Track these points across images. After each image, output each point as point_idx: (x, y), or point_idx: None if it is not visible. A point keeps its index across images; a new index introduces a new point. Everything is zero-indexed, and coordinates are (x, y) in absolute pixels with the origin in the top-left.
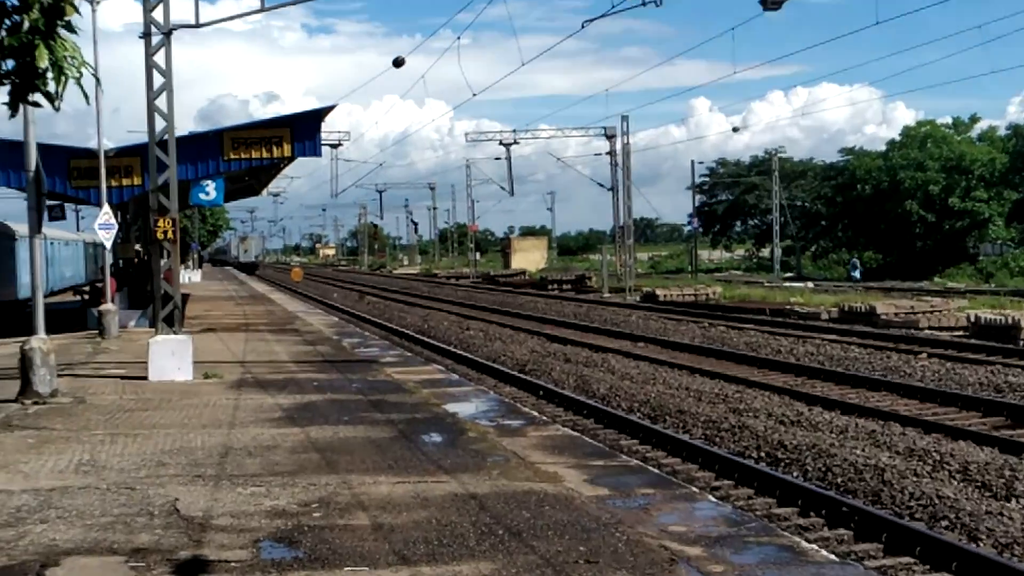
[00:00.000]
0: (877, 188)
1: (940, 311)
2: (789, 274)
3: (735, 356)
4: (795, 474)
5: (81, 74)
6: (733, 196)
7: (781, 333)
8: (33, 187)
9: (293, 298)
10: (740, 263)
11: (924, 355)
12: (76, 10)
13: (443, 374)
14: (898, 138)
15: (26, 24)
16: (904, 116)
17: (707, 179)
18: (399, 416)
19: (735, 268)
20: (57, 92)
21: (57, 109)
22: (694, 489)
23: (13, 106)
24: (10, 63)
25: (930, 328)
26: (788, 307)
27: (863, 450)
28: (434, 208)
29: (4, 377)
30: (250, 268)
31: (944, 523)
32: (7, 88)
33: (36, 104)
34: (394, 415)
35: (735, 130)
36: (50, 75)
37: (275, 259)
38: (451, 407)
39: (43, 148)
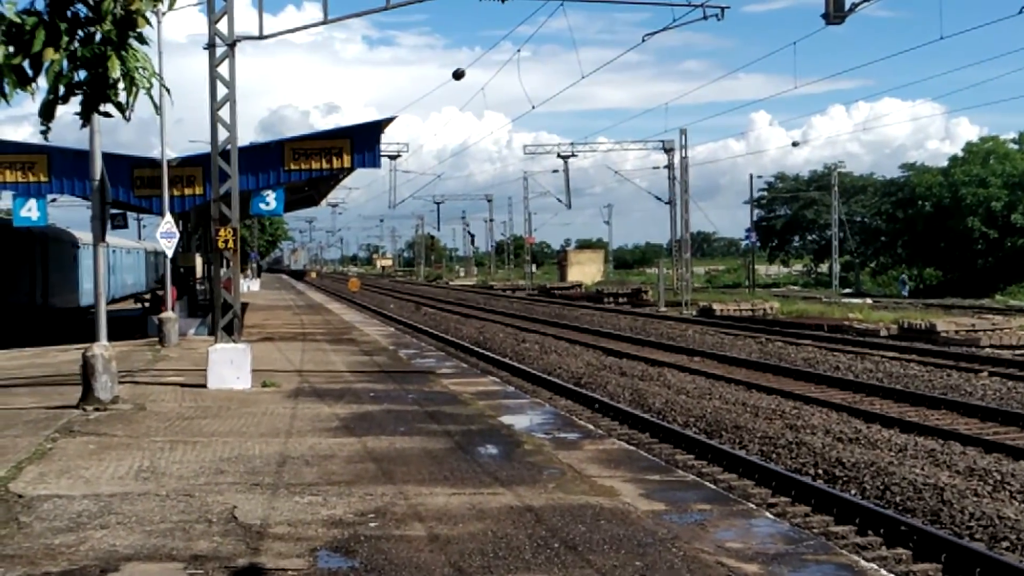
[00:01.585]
0: (938, 204)
1: (1001, 329)
2: (848, 290)
3: (792, 372)
4: (853, 492)
5: (151, 85)
6: (791, 211)
7: (839, 349)
8: (97, 196)
9: (350, 308)
10: (798, 278)
11: (985, 373)
12: (148, 22)
13: (499, 386)
14: (960, 154)
15: (98, 35)
16: (968, 132)
17: (765, 193)
18: (455, 427)
19: (793, 283)
20: (128, 102)
21: (128, 119)
22: (751, 505)
23: (85, 116)
24: (83, 74)
25: (991, 346)
26: (846, 323)
27: (922, 469)
28: (491, 220)
29: (66, 383)
30: (298, 275)
31: (1005, 544)
32: (79, 98)
33: (107, 114)
34: (450, 426)
35: (795, 144)
36: (121, 86)
37: (332, 269)
38: (507, 419)
39: (107, 157)
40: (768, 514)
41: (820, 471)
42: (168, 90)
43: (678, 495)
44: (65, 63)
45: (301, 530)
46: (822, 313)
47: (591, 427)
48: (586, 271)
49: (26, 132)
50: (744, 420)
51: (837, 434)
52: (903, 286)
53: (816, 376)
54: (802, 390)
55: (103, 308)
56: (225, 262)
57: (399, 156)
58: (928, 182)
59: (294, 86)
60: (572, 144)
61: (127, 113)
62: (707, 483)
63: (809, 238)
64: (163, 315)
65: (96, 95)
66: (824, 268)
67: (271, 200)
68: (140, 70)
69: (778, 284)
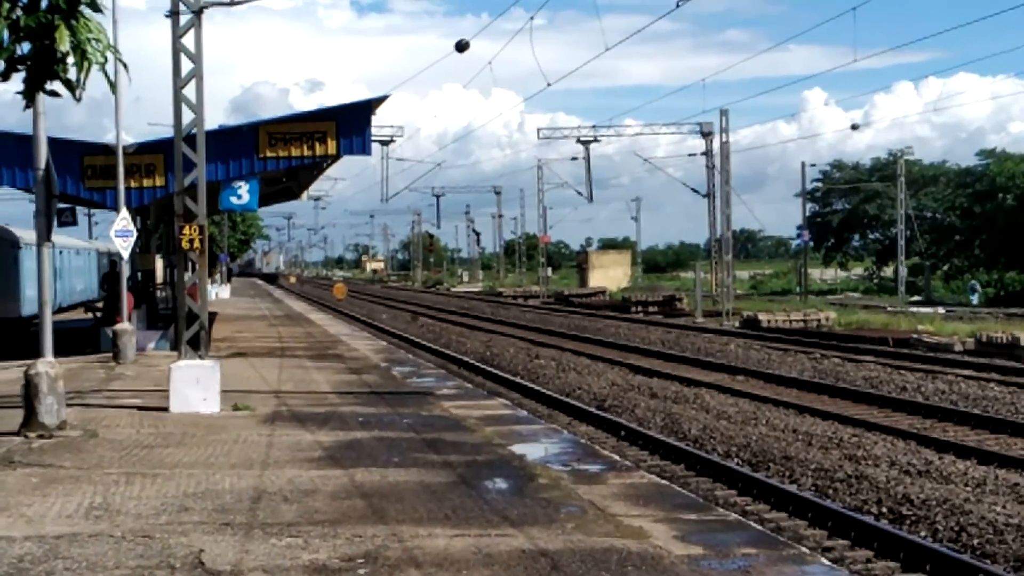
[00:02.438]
0: (1022, 198)
1: None
2: (916, 297)
3: (851, 393)
4: (923, 534)
5: (106, 59)
6: (850, 205)
7: (906, 367)
8: (43, 188)
9: (335, 319)
10: (857, 284)
11: None
12: None
13: (509, 409)
14: None
15: (44, 1)
16: None
17: (820, 185)
18: (458, 458)
19: (851, 289)
20: (79, 80)
21: (79, 99)
22: (803, 549)
23: (29, 96)
24: (26, 46)
25: None
26: (915, 336)
27: (1004, 507)
28: (499, 216)
29: (5, 406)
30: (271, 278)
31: None
32: (22, 75)
33: (54, 93)
34: (452, 456)
35: (854, 127)
36: (71, 60)
37: (314, 273)
38: (518, 448)
39: (53, 143)
40: (823, 560)
41: (884, 509)
42: (125, 65)
43: (718, 537)
44: (6, 34)
45: None
46: (886, 325)
47: (616, 458)
48: (610, 275)
49: None
50: (795, 450)
51: (904, 466)
52: (973, 293)
53: (879, 398)
54: (863, 415)
55: (48, 319)
56: (190, 265)
57: (392, 141)
58: (1010, 171)
59: (271, 60)
60: (594, 127)
61: (78, 92)
62: (752, 523)
63: (871, 237)
64: (118, 327)
65: (42, 71)
66: (888, 272)
67: (244, 193)
68: (92, 42)
69: (835, 290)
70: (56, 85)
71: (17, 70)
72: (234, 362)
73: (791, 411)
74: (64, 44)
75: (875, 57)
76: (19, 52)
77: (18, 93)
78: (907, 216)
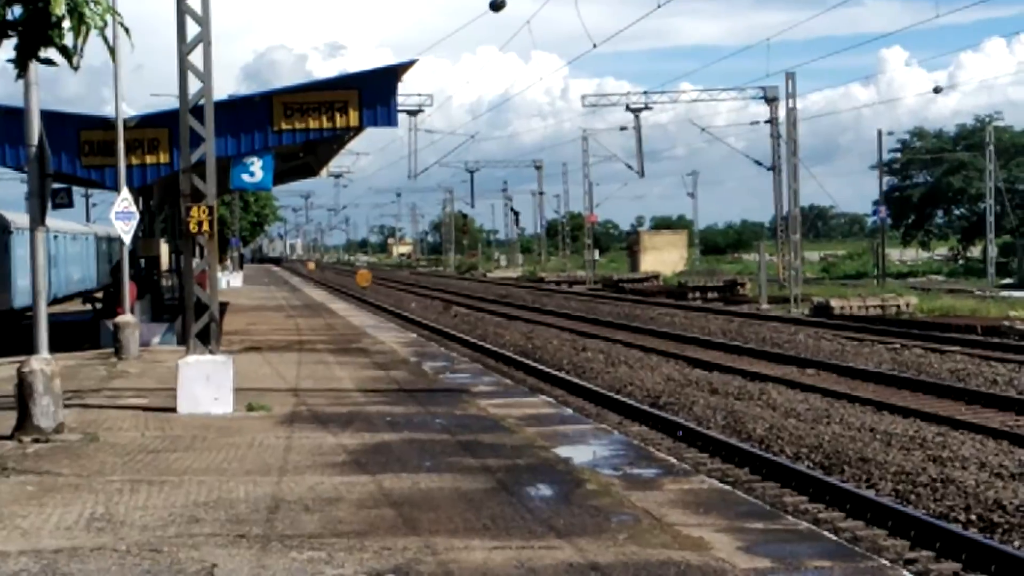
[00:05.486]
0: None
1: None
2: (1007, 280)
3: (936, 388)
4: (1016, 544)
5: (105, 23)
6: (933, 178)
7: (997, 358)
8: (35, 166)
9: (359, 308)
10: (941, 265)
11: None
12: None
13: (553, 408)
14: None
15: None
16: None
17: (899, 155)
18: (497, 462)
19: (934, 272)
20: (76, 46)
21: (76, 68)
22: (883, 561)
23: (21, 64)
24: (18, 10)
25: None
26: (1006, 324)
27: None
28: (540, 193)
29: None
30: (276, 261)
31: None
32: (13, 41)
33: (49, 61)
34: (490, 460)
35: (937, 90)
36: (67, 24)
37: (335, 258)
38: (563, 451)
39: (47, 116)
40: (906, 573)
41: (973, 517)
42: (127, 29)
43: (788, 548)
44: None
45: None
46: (974, 311)
47: (673, 460)
48: (664, 258)
49: None
50: (872, 451)
51: (995, 468)
52: None
53: (967, 393)
54: (948, 411)
55: (43, 311)
56: (198, 250)
57: (421, 111)
58: None
59: (287, 22)
60: (645, 93)
61: (75, 60)
62: (825, 532)
63: (956, 213)
64: (119, 319)
65: (35, 37)
66: (976, 252)
67: (256, 170)
68: (91, 4)
69: (915, 273)
70: (51, 52)
71: (8, 36)
72: (248, 357)
73: (868, 408)
74: (60, 7)
75: (961, 11)
76: (10, 16)
77: (9, 61)
78: (997, 189)
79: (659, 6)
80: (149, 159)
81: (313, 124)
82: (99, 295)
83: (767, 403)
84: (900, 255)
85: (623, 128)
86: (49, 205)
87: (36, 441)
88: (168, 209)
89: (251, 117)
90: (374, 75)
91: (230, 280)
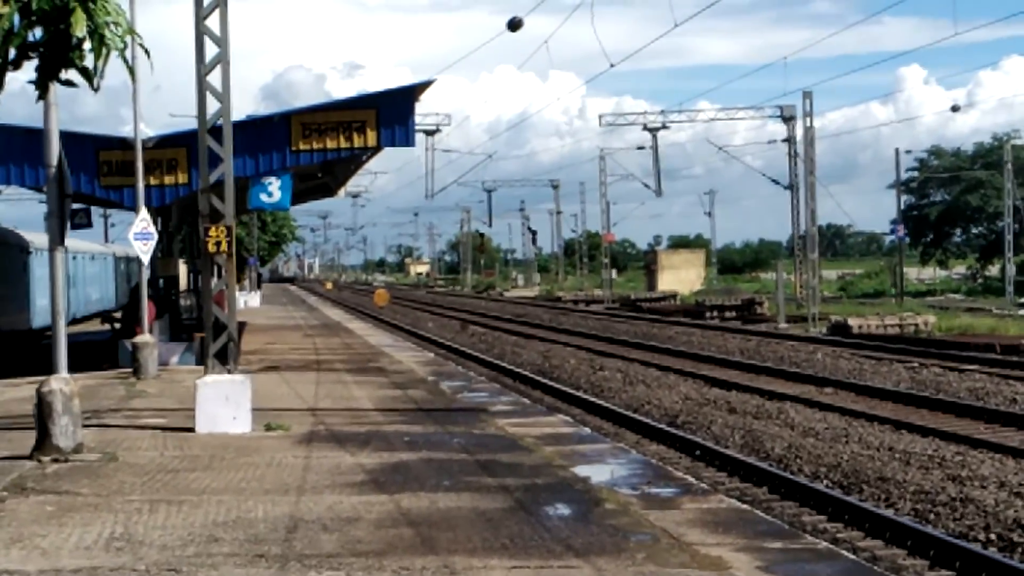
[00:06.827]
0: None
1: None
2: None
3: (955, 407)
4: None
5: (125, 44)
6: (951, 196)
7: (1016, 377)
8: (55, 187)
9: (377, 328)
10: (959, 284)
11: None
12: None
13: (571, 427)
14: None
15: None
16: None
17: (917, 174)
18: (515, 481)
19: (953, 291)
20: (96, 67)
21: (96, 89)
22: None
23: (42, 86)
24: (39, 32)
25: None
26: None
27: None
28: (558, 212)
29: (16, 427)
30: (289, 280)
31: None
32: (35, 63)
33: (70, 83)
34: (509, 480)
35: (955, 108)
36: (87, 46)
37: (353, 277)
38: (581, 470)
39: (66, 137)
40: None
41: (993, 536)
42: (147, 50)
43: (807, 568)
44: (17, 18)
45: None
46: (993, 329)
47: (691, 480)
48: (682, 277)
49: None
50: (891, 470)
51: (1015, 487)
52: None
53: (986, 412)
54: (968, 430)
55: (62, 331)
56: (217, 270)
57: (439, 131)
58: None
59: (305, 42)
60: (663, 112)
61: (95, 81)
62: (844, 552)
63: (974, 231)
64: (138, 339)
65: (56, 58)
66: (994, 271)
67: (275, 190)
68: (111, 26)
69: (934, 292)
70: (71, 74)
71: (29, 58)
72: (266, 377)
73: (886, 427)
74: (80, 29)
75: (980, 29)
76: (31, 38)
77: (30, 83)
78: (1015, 208)
79: (676, 25)
80: (167, 179)
81: (331, 144)
82: (118, 315)
83: (785, 422)
84: (918, 274)
85: (640, 147)
86: (68, 225)
87: (55, 461)
88: (186, 229)
89: (269, 137)
90: (392, 95)
91: (248, 300)
